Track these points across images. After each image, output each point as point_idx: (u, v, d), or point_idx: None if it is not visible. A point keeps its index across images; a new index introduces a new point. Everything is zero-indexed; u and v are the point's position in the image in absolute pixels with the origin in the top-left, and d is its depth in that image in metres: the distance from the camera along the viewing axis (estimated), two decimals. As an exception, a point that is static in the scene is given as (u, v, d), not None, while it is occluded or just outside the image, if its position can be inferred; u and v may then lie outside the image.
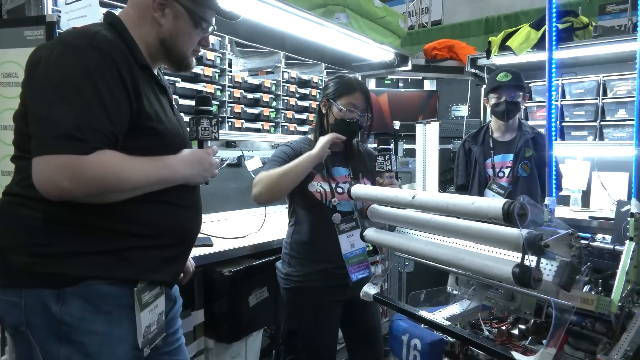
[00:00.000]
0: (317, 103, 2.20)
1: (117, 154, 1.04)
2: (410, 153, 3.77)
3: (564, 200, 3.28)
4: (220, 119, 2.56)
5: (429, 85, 4.17)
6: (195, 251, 1.86)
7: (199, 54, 1.36)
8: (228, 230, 2.36)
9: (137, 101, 1.09)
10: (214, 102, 2.53)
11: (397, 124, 3.38)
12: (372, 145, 2.21)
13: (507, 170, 2.57)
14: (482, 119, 3.74)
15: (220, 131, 1.37)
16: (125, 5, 1.24)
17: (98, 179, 1.00)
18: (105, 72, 1.03)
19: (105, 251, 1.08)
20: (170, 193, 1.17)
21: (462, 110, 3.97)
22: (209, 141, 1.31)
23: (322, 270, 1.82)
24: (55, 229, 1.06)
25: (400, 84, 4.14)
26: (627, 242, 1.27)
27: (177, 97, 2.34)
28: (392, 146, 1.92)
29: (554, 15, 1.58)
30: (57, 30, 1.73)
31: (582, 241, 1.36)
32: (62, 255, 1.05)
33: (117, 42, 1.09)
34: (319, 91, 3.31)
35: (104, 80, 1.02)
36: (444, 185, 3.69)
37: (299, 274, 1.84)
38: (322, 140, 1.77)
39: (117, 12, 1.23)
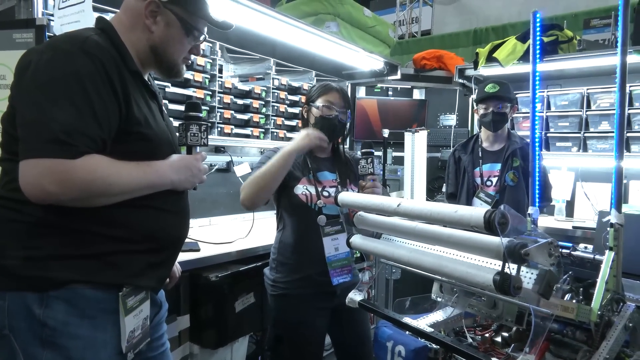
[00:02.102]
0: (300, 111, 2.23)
1: (105, 158, 1.04)
2: (399, 161, 3.80)
3: (549, 210, 3.32)
4: (209, 125, 2.57)
5: (418, 95, 4.22)
6: (182, 256, 1.85)
7: (189, 61, 1.36)
8: (216, 235, 2.36)
9: (126, 106, 1.09)
10: (203, 107, 2.53)
11: (386, 132, 3.41)
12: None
13: (494, 179, 2.60)
14: (470, 128, 3.79)
15: (209, 137, 1.38)
16: (117, 10, 1.25)
17: (85, 183, 1.00)
18: (94, 77, 1.03)
19: (90, 255, 1.08)
20: (157, 198, 1.17)
21: (451, 120, 4.01)
22: (198, 147, 1.31)
23: (307, 277, 1.83)
24: (40, 232, 1.06)
25: (390, 93, 4.18)
26: (607, 251, 1.30)
27: (167, 102, 2.34)
28: (377, 151, 1.95)
29: (538, 29, 1.62)
30: (47, 33, 1.73)
31: (564, 250, 1.39)
32: (45, 259, 1.05)
33: (107, 48, 1.10)
34: (309, 98, 3.33)
35: (94, 85, 1.02)
36: (431, 193, 3.72)
37: (285, 279, 1.85)
38: (299, 133, 1.80)
39: (109, 17, 1.24)
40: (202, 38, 1.30)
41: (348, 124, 1.93)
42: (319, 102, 1.87)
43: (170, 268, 1.32)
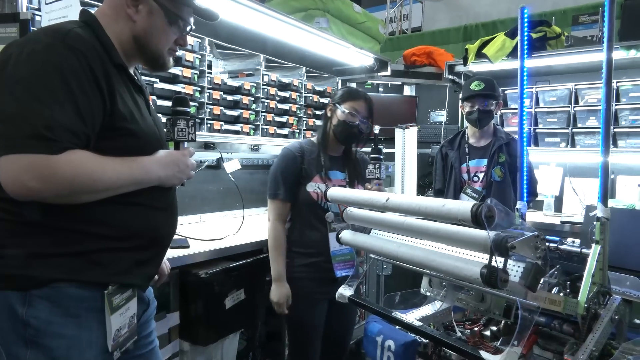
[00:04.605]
0: (324, 107, 2.38)
1: (89, 154, 1.02)
2: (390, 157, 3.81)
3: (538, 205, 3.35)
4: (198, 121, 2.55)
5: (408, 91, 4.23)
6: (172, 253, 1.85)
7: (177, 53, 1.34)
8: (206, 232, 2.35)
9: (110, 101, 1.07)
10: (192, 103, 2.51)
11: (377, 128, 3.40)
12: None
13: (481, 175, 2.62)
14: (459, 124, 3.80)
15: (198, 133, 1.37)
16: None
17: (68, 179, 0.98)
18: (77, 71, 1.01)
19: (73, 253, 1.06)
20: (144, 194, 1.16)
21: (441, 116, 4.03)
22: (186, 142, 1.30)
23: (313, 263, 2.01)
24: (21, 230, 1.04)
25: (381, 89, 4.18)
26: (593, 245, 1.31)
27: (155, 97, 2.32)
28: (368, 147, 2.06)
29: (526, 25, 1.63)
30: (32, 28, 1.70)
31: (551, 244, 1.40)
32: (28, 257, 1.03)
33: (91, 41, 1.07)
34: (299, 94, 3.33)
35: (77, 79, 1.00)
36: (422, 189, 3.74)
37: (292, 264, 2.03)
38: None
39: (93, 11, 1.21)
40: (188, 28, 1.27)
41: (368, 132, 2.06)
42: (345, 107, 1.99)
43: (157, 266, 1.30)
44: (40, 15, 1.77)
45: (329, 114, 2.06)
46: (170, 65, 1.31)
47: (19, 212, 1.03)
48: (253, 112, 2.95)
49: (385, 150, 3.96)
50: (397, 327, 1.47)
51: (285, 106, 3.21)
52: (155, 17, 1.18)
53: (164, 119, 1.37)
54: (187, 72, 2.50)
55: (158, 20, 1.19)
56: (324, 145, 2.06)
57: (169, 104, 2.35)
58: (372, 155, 1.96)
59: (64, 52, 1.00)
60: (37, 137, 0.95)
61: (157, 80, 2.35)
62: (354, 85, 4.18)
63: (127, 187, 1.11)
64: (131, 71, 1.23)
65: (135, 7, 1.16)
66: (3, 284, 1.03)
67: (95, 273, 1.09)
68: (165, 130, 1.30)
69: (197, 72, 2.57)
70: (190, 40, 2.44)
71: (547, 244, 1.24)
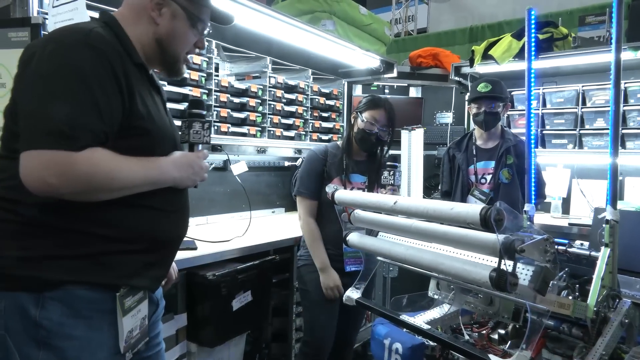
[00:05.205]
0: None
1: (108, 152, 1.03)
2: (396, 159, 3.81)
3: (545, 207, 3.33)
4: (212, 122, 2.57)
5: (414, 92, 4.22)
6: (179, 254, 1.84)
7: (189, 62, 1.36)
8: (213, 234, 2.35)
9: (129, 100, 1.08)
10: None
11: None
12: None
13: (489, 177, 2.61)
14: (466, 126, 3.79)
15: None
16: (111, 8, 1.24)
17: (87, 176, 0.99)
18: (98, 69, 1.02)
19: (84, 255, 1.07)
20: (156, 197, 1.16)
21: (447, 118, 4.01)
22: (200, 145, 1.31)
23: (328, 255, 2.17)
24: (33, 232, 1.05)
25: (386, 91, 4.17)
26: (602, 248, 1.31)
27: (163, 100, 2.33)
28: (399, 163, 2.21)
29: (533, 27, 1.62)
30: (43, 32, 1.72)
31: (560, 247, 1.40)
32: (40, 259, 1.04)
33: (111, 41, 1.08)
34: (305, 96, 3.33)
35: (97, 78, 1.01)
36: (428, 191, 3.72)
37: (307, 253, 2.23)
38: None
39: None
40: (205, 31, 1.30)
41: (388, 139, 2.21)
42: (365, 116, 2.15)
43: (167, 268, 1.31)
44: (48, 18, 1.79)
45: (352, 121, 2.24)
46: (184, 72, 1.34)
47: (30, 215, 1.04)
48: (260, 115, 2.95)
49: (391, 152, 3.99)
50: (404, 329, 1.47)
51: (292, 108, 3.22)
52: (178, 20, 1.20)
53: (177, 122, 1.38)
54: (195, 75, 2.51)
55: (181, 23, 1.21)
56: (347, 150, 2.23)
57: (177, 106, 2.39)
58: (387, 163, 2.11)
59: (86, 51, 1.01)
60: (57, 134, 0.96)
61: (165, 82, 2.36)
62: (360, 87, 4.19)
63: (141, 186, 1.11)
64: (150, 72, 1.24)
65: (158, 10, 1.18)
66: (16, 285, 1.04)
67: (105, 275, 1.10)
68: (180, 132, 1.31)
69: (205, 75, 2.58)
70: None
71: (556, 247, 1.23)
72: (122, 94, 1.06)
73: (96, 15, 1.64)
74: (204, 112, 1.35)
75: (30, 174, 0.97)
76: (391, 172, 2.06)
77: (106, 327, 1.12)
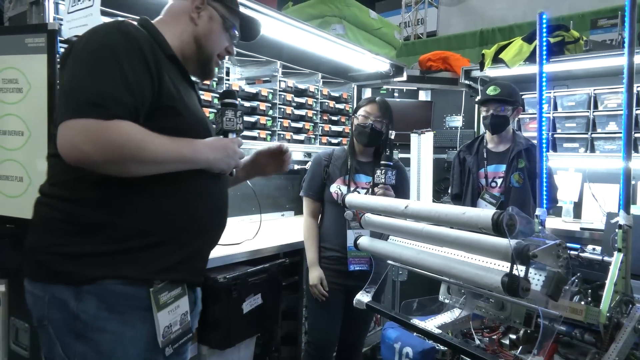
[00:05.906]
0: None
1: (138, 126, 1.07)
2: (405, 162, 3.80)
3: (556, 211, 3.31)
4: (243, 111, 2.62)
5: (424, 96, 4.21)
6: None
7: (219, 64, 1.45)
8: (223, 236, 2.36)
9: (159, 81, 1.12)
10: (211, 110, 2.55)
11: (392, 133, 3.40)
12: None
13: (499, 181, 2.60)
14: (475, 129, 3.78)
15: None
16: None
17: (118, 144, 1.02)
18: (128, 50, 1.08)
19: (119, 250, 1.11)
20: (191, 185, 1.19)
21: (457, 121, 4.00)
22: (234, 133, 1.33)
23: (331, 255, 2.21)
24: (73, 229, 1.10)
25: (396, 94, 4.17)
26: (615, 253, 1.30)
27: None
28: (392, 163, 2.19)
29: (544, 30, 1.62)
30: (59, 38, 1.74)
31: (572, 252, 1.39)
32: (79, 255, 1.09)
33: (143, 32, 1.17)
34: (315, 100, 3.35)
35: (128, 59, 1.07)
36: (438, 195, 3.72)
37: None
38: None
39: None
40: (235, 40, 1.40)
41: (388, 133, 2.20)
42: (360, 112, 2.21)
43: (205, 260, 1.33)
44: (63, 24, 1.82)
45: (350, 125, 2.33)
46: (215, 74, 1.39)
47: (70, 211, 1.09)
48: (270, 118, 2.97)
49: (400, 156, 3.99)
50: (414, 333, 1.47)
51: (302, 112, 3.23)
52: (215, 23, 1.33)
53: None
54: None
55: (216, 26, 1.33)
56: (351, 151, 2.29)
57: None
58: (381, 162, 2.13)
59: (117, 34, 1.10)
60: (90, 104, 1.01)
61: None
62: (369, 90, 4.20)
63: (174, 163, 1.13)
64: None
65: (198, 12, 1.30)
66: (59, 278, 1.09)
67: (140, 270, 1.13)
68: (214, 124, 1.36)
69: (216, 79, 2.60)
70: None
71: (568, 252, 1.23)
72: (151, 75, 1.11)
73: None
74: (236, 102, 1.40)
75: (65, 144, 1.01)
76: (383, 171, 2.10)
77: (139, 324, 1.14)
